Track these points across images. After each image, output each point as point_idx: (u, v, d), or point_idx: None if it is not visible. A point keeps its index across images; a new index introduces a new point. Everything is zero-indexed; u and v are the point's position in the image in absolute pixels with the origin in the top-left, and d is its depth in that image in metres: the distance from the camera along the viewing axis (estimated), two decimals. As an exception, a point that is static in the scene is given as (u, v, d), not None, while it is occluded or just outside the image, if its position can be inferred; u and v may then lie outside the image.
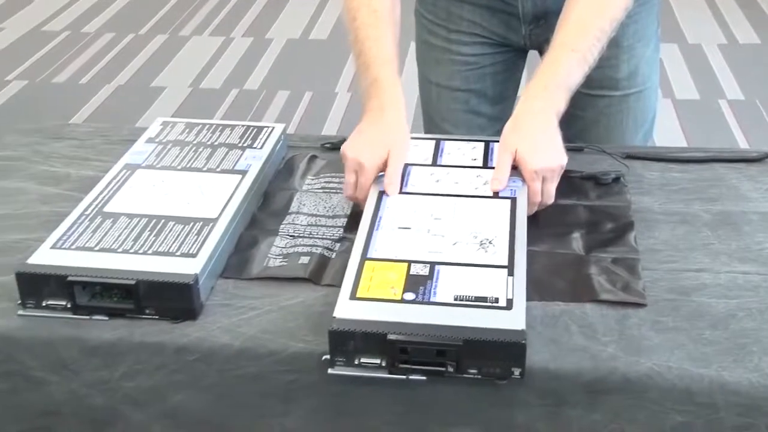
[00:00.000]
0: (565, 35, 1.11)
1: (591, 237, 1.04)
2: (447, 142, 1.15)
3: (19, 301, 0.93)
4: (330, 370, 0.85)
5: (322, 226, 1.07)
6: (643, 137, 1.39)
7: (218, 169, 1.12)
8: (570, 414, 0.86)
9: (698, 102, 3.00)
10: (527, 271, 0.93)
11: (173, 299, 0.91)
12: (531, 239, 0.99)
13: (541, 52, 1.21)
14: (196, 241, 0.97)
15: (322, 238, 1.04)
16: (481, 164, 1.10)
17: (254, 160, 1.14)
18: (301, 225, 1.07)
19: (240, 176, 1.10)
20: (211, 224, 1.00)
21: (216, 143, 1.18)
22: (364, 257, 0.94)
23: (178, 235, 0.98)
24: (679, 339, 0.88)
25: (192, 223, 1.00)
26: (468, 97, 1.40)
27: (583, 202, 1.10)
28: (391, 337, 0.83)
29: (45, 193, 1.16)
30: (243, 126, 1.23)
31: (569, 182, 1.12)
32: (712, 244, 1.02)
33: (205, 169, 1.12)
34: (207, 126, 1.23)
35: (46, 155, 1.25)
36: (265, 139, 1.19)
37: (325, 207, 1.11)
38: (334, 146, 1.23)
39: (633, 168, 1.17)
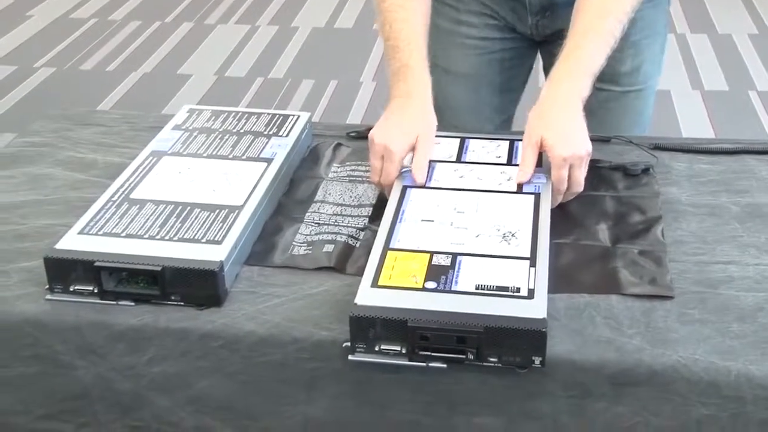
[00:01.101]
0: (586, 19, 1.10)
1: (618, 228, 1.03)
2: (471, 140, 1.15)
3: (47, 286, 0.94)
4: (350, 357, 0.86)
5: (347, 215, 1.07)
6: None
7: (244, 157, 1.12)
8: (595, 406, 0.86)
9: (727, 93, 2.96)
10: (552, 263, 0.92)
11: (198, 286, 0.92)
12: (557, 230, 0.99)
13: (550, 46, 1.19)
14: (221, 228, 0.97)
15: (347, 227, 1.04)
16: (505, 161, 1.10)
17: (280, 148, 1.14)
18: (327, 214, 1.07)
19: (265, 164, 1.10)
20: (236, 211, 1.00)
21: (242, 131, 1.19)
22: (386, 247, 0.94)
23: (204, 222, 0.99)
24: (706, 332, 0.87)
25: (217, 211, 1.00)
26: (473, 82, 1.38)
27: (610, 193, 1.10)
28: (411, 323, 0.83)
29: (72, 179, 1.16)
30: (269, 114, 1.23)
31: (597, 173, 1.11)
32: (740, 236, 1.01)
33: (230, 156, 1.12)
34: (233, 114, 1.23)
35: (74, 141, 1.26)
36: (291, 128, 1.20)
37: (350, 196, 1.11)
38: (360, 135, 1.22)
39: (661, 159, 1.16)
